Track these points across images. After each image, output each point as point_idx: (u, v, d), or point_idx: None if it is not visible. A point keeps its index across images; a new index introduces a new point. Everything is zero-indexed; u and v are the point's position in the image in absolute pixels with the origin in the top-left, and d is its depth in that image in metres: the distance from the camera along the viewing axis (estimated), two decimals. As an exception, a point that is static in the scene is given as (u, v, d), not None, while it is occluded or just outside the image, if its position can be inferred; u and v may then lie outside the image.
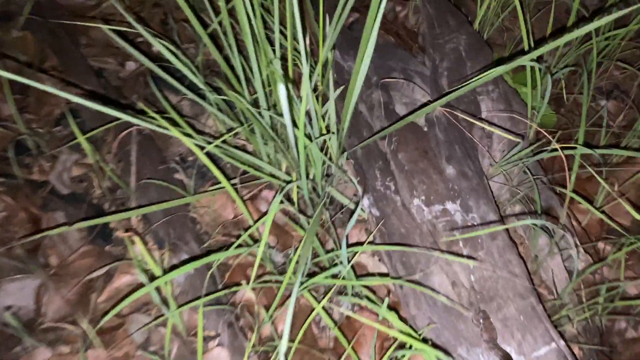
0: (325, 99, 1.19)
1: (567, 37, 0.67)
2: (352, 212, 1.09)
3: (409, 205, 1.01)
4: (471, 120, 1.04)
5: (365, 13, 1.56)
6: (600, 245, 1.10)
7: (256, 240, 0.92)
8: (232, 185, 0.87)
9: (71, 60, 1.30)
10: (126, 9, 1.48)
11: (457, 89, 0.80)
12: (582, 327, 0.98)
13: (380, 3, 0.71)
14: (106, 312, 0.84)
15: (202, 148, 0.89)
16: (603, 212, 1.09)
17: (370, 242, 1.04)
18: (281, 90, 0.66)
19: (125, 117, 0.77)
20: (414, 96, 1.27)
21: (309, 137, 0.99)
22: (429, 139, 1.12)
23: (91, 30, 1.45)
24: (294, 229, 1.09)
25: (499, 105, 1.14)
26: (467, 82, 0.81)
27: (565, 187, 1.04)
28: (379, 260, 1.09)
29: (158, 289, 0.89)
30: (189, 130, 0.98)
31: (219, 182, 1.02)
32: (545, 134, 0.86)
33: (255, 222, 0.87)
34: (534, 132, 1.13)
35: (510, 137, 1.08)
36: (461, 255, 0.92)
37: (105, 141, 1.21)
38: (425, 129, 1.16)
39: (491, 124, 1.10)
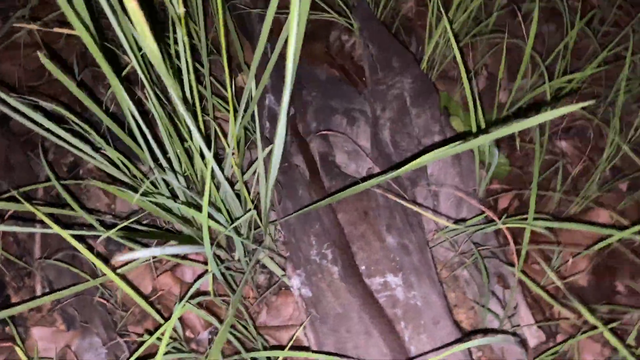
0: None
1: (524, 124, 0.56)
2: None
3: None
4: (409, 199, 0.93)
5: (308, 44, 1.44)
6: (556, 309, 1.02)
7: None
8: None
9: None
10: (43, 40, 1.33)
11: (402, 165, 0.68)
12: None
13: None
14: None
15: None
16: (559, 272, 1.01)
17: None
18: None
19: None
20: (358, 141, 1.16)
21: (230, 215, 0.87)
22: (369, 197, 1.01)
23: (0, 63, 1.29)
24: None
25: (446, 159, 1.05)
26: (415, 156, 0.70)
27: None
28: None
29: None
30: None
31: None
32: (490, 213, 0.76)
33: (164, 321, 0.75)
34: (484, 190, 1.04)
35: (460, 193, 0.99)
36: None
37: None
38: (369, 161, 1.06)
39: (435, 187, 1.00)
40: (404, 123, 1.05)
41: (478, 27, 1.29)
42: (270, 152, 0.78)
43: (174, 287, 1.01)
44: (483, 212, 0.90)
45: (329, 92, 1.24)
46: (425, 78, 1.13)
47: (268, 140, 1.07)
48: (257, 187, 0.91)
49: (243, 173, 1.01)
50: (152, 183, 0.98)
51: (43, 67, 1.28)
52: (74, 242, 0.67)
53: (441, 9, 1.21)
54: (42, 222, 1.00)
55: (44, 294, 0.96)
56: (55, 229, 0.66)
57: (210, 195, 0.73)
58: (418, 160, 0.62)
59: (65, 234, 0.68)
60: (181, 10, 0.61)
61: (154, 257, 0.95)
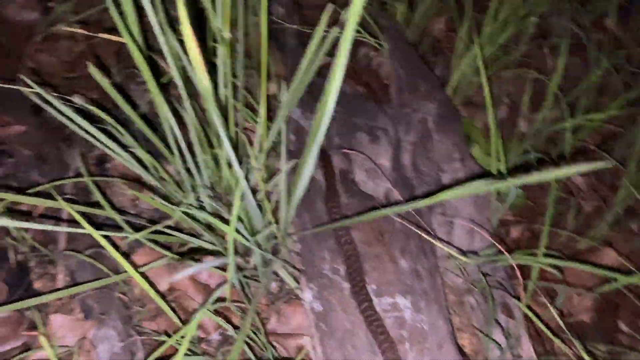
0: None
1: (541, 177, 0.59)
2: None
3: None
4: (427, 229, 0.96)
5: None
6: (558, 346, 1.04)
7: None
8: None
9: (6, 91, 1.19)
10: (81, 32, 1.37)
11: (421, 193, 0.72)
12: None
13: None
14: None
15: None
16: (561, 312, 1.03)
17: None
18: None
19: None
20: (378, 160, 1.19)
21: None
22: (386, 219, 1.04)
23: (38, 54, 1.33)
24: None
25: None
26: (438, 193, 0.72)
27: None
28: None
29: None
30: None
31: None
32: (502, 248, 0.78)
33: (180, 321, 0.79)
34: (497, 220, 1.07)
35: (474, 227, 1.02)
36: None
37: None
38: (389, 185, 1.08)
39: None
40: (426, 147, 1.07)
41: (505, 57, 1.31)
42: (293, 166, 0.81)
43: (190, 286, 1.05)
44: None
45: (352, 108, 1.27)
46: (450, 104, 1.16)
47: (291, 153, 1.09)
48: (276, 193, 0.95)
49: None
50: (177, 184, 1.02)
51: (79, 60, 1.33)
52: (104, 242, 0.71)
53: (471, 36, 1.24)
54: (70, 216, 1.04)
55: (66, 287, 0.99)
56: (88, 228, 0.70)
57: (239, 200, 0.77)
58: (438, 196, 0.65)
59: (96, 234, 0.71)
60: (227, 35, 0.64)
61: (173, 258, 0.99)
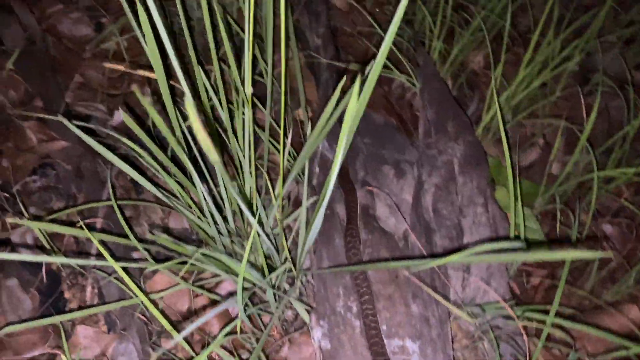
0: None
1: (559, 255, 0.60)
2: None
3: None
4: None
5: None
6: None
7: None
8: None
9: (54, 106, 1.26)
10: (126, 49, 1.43)
11: (438, 259, 0.72)
12: None
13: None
14: None
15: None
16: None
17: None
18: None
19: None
20: (402, 196, 1.19)
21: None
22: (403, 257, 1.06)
23: (86, 69, 1.41)
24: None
25: (484, 231, 1.07)
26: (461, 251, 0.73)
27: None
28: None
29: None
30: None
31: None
32: (508, 309, 0.78)
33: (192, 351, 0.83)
34: (516, 268, 1.06)
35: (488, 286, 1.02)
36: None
37: (75, 199, 1.18)
38: (401, 244, 1.09)
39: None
40: (448, 190, 1.08)
41: (542, 99, 1.29)
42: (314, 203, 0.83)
43: (209, 307, 1.09)
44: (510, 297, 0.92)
45: (382, 139, 1.29)
46: (479, 146, 1.15)
47: (314, 189, 1.12)
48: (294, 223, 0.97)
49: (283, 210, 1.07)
50: (200, 209, 1.06)
51: (123, 78, 1.39)
52: (122, 273, 0.75)
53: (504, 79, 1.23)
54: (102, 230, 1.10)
55: (93, 305, 1.05)
56: (110, 261, 0.75)
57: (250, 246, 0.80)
58: (450, 258, 0.66)
59: (117, 265, 0.76)
60: (249, 91, 0.67)
61: (193, 282, 1.03)
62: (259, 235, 0.82)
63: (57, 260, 0.74)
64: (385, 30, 0.54)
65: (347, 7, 1.64)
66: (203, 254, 0.77)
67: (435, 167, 1.10)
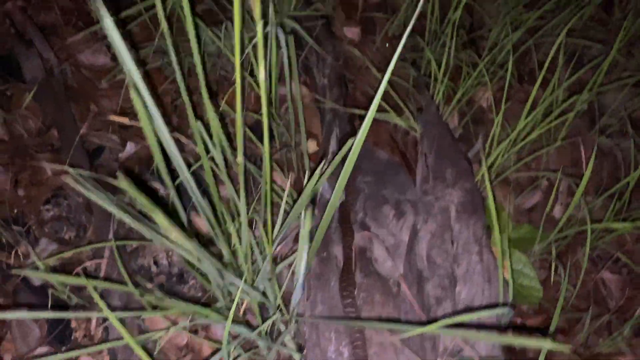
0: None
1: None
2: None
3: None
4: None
5: (375, 125, 1.50)
6: None
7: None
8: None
9: (69, 137, 1.31)
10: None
11: (428, 325, 0.74)
12: None
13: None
14: None
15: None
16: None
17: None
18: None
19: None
20: (400, 237, 1.21)
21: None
22: (397, 305, 1.08)
23: (101, 98, 1.46)
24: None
25: (478, 279, 1.08)
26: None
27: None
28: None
29: None
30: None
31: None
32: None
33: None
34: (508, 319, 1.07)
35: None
36: None
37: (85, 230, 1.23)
38: (395, 289, 1.11)
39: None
40: (443, 239, 1.09)
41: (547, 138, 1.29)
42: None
43: (204, 343, 1.12)
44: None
45: (384, 178, 1.31)
46: (477, 192, 1.16)
47: (312, 232, 1.14)
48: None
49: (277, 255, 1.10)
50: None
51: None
52: (117, 325, 0.79)
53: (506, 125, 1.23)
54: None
55: (99, 342, 1.10)
56: (106, 313, 0.79)
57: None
58: (438, 323, 0.68)
59: (112, 316, 0.80)
60: (240, 160, 0.70)
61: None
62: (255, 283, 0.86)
63: (50, 316, 0.78)
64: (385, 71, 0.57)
65: (358, 37, 1.66)
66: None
67: (431, 214, 1.12)
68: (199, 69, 0.70)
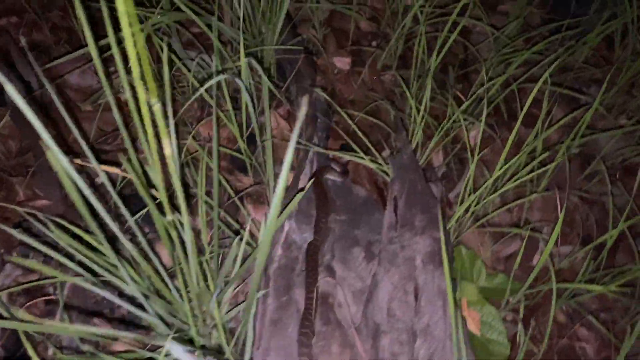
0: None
1: None
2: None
3: None
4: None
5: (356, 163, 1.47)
6: None
7: None
8: None
9: (44, 161, 1.31)
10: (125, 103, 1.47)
11: None
12: None
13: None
14: None
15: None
16: None
17: None
18: None
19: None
20: (368, 281, 1.18)
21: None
22: (354, 358, 1.04)
23: (84, 121, 1.46)
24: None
25: (439, 334, 1.04)
26: None
27: None
28: None
29: None
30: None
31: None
32: None
33: None
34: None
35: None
36: None
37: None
38: (352, 332, 1.08)
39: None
40: (405, 290, 1.06)
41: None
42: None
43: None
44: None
45: (358, 217, 1.27)
46: (448, 241, 1.12)
47: (267, 278, 1.11)
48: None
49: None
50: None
51: (114, 133, 1.43)
52: None
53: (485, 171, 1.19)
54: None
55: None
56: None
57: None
58: None
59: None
60: (169, 218, 0.68)
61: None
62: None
63: None
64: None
65: (348, 67, 1.63)
66: None
67: (394, 264, 1.08)
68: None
